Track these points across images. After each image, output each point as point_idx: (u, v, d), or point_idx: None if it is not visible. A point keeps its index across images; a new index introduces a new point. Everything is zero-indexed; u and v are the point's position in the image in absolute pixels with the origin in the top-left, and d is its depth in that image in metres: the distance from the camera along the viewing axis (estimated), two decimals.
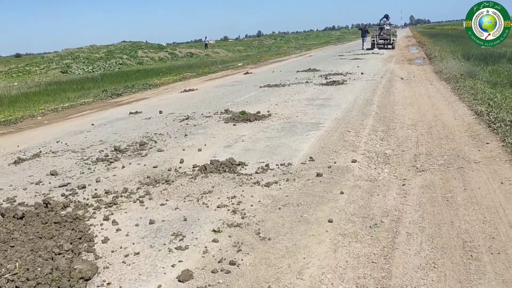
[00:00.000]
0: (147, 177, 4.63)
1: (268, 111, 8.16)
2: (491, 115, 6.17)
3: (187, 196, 4.03)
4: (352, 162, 4.75)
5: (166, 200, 3.95)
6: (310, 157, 4.97)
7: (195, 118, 8.10)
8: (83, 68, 35.98)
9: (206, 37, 52.99)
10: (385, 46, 28.20)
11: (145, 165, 5.17)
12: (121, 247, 3.08)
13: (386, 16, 30.17)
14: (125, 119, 8.74)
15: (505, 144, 4.83)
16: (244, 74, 17.76)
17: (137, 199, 4.01)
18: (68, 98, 13.01)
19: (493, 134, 5.39)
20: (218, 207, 3.71)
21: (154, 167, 5.02)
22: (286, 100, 9.51)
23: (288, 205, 3.67)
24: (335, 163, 4.74)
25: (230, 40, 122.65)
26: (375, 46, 28.10)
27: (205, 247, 3.01)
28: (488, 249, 2.74)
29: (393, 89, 10.08)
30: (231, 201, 3.83)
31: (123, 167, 5.14)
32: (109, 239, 3.21)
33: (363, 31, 31.30)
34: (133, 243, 3.13)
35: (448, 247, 2.80)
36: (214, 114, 8.35)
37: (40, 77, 27.64)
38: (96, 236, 3.28)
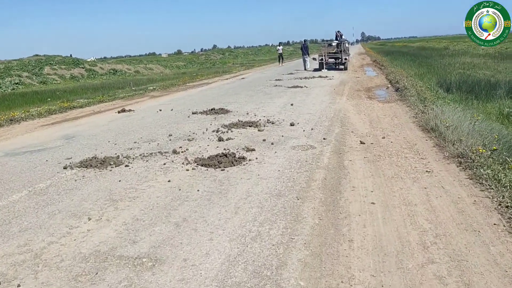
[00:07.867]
0: None
1: None
2: None
3: None
4: None
5: None
6: None
7: None
8: None
9: None
10: (336, 66, 22.68)
11: None
12: None
13: (340, 34, 23.88)
14: None
15: None
16: (118, 112, 11.13)
17: None
18: None
19: None
20: None
21: None
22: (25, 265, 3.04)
23: None
24: None
25: (185, 53, 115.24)
26: (324, 66, 22.40)
27: None
28: None
29: (342, 203, 3.91)
30: None
31: None
32: None
33: (303, 48, 24.62)
34: None
35: None
36: None
37: None
38: None
